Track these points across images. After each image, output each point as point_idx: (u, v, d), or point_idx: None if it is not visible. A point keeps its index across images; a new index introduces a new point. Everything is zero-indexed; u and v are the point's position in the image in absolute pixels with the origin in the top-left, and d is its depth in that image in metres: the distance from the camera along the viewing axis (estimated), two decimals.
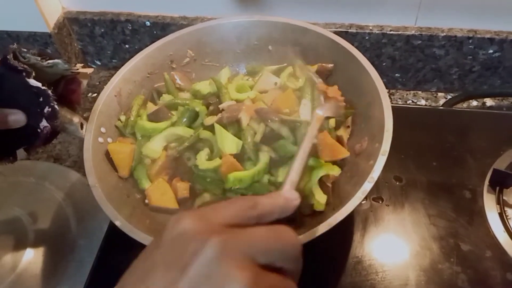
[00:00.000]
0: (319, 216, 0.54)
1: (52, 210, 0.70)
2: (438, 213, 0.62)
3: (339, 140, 0.60)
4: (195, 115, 0.63)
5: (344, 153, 0.58)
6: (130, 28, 0.86)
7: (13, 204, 0.70)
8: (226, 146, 0.57)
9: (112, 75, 0.64)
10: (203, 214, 0.31)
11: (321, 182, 0.57)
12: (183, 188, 0.59)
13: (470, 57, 0.78)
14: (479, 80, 0.81)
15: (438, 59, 0.79)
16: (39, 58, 0.51)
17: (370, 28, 0.78)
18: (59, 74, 0.55)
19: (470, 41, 0.75)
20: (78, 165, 0.78)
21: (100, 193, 0.52)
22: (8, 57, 0.49)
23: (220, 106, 0.62)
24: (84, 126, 0.58)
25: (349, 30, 0.78)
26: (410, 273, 0.56)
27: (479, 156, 0.67)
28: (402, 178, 0.66)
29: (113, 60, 0.94)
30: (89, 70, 0.96)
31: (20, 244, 0.66)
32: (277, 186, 0.57)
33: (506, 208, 0.61)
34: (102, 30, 0.88)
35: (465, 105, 0.81)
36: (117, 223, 0.49)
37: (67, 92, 0.56)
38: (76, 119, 0.57)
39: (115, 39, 0.89)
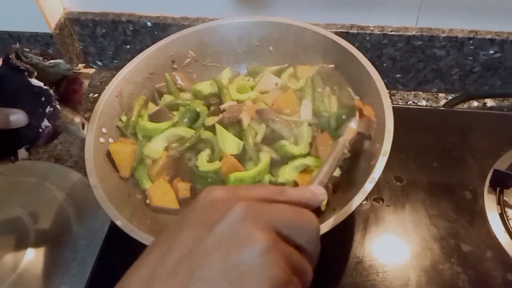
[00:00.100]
0: (319, 216, 0.54)
1: (53, 210, 0.70)
2: (439, 214, 0.62)
3: None
4: (196, 116, 0.64)
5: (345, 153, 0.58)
6: (132, 28, 0.86)
7: (14, 204, 0.70)
8: (227, 146, 0.58)
9: (114, 75, 0.65)
10: (234, 188, 0.34)
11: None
12: (184, 188, 0.59)
13: (471, 57, 0.78)
14: (480, 81, 0.82)
15: (439, 60, 0.79)
16: (41, 58, 0.51)
17: (371, 28, 0.78)
18: (61, 74, 0.55)
19: (471, 41, 0.76)
20: (79, 165, 0.78)
21: (101, 193, 0.52)
22: (10, 56, 0.49)
23: (221, 107, 0.62)
24: (86, 126, 0.58)
25: (350, 31, 0.78)
26: (410, 273, 0.56)
27: (480, 157, 0.67)
28: (403, 178, 0.66)
29: (115, 61, 0.94)
30: (90, 71, 0.96)
31: (21, 244, 0.66)
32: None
33: (506, 209, 0.61)
34: (104, 31, 0.88)
35: (465, 105, 0.81)
36: (118, 223, 0.49)
37: (69, 92, 0.56)
38: (77, 119, 0.57)
39: (116, 40, 0.89)
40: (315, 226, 0.32)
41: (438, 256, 0.58)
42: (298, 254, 0.31)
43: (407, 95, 0.85)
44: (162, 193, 0.58)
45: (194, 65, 0.71)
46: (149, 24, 0.85)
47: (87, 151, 0.56)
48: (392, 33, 0.77)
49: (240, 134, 0.60)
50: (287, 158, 0.58)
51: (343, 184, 0.57)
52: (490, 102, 0.82)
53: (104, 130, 0.60)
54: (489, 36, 0.75)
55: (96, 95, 0.91)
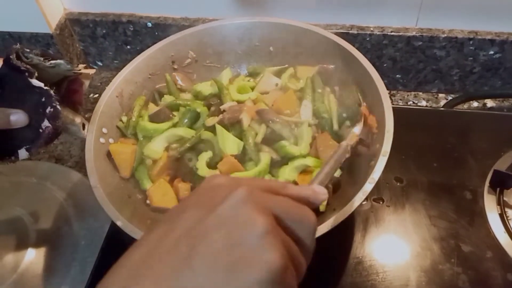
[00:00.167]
0: (319, 216, 0.54)
1: (53, 210, 0.70)
2: (439, 214, 0.62)
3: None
4: (197, 116, 0.64)
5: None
6: (132, 29, 0.86)
7: (14, 204, 0.70)
8: (228, 147, 0.58)
9: (114, 76, 0.65)
10: (237, 177, 0.35)
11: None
12: (184, 188, 0.59)
13: (471, 58, 0.78)
14: (480, 81, 0.82)
15: (439, 60, 0.80)
16: (41, 59, 0.51)
17: (371, 29, 0.78)
18: (62, 75, 0.55)
19: (471, 42, 0.76)
20: (80, 166, 0.78)
21: (102, 194, 0.52)
22: (11, 57, 0.49)
23: (222, 107, 0.62)
24: (86, 127, 0.58)
25: (350, 31, 0.78)
26: (410, 273, 0.56)
27: (480, 157, 0.67)
28: (403, 179, 0.66)
29: (115, 61, 0.95)
30: (91, 71, 0.96)
31: (21, 244, 0.66)
32: None
33: (506, 209, 0.61)
34: (104, 31, 0.88)
35: (465, 106, 0.81)
36: (119, 223, 0.50)
37: (69, 92, 0.56)
38: (78, 120, 0.57)
39: (116, 40, 0.89)
40: (313, 222, 0.32)
41: (438, 256, 0.58)
42: (295, 245, 0.31)
43: (407, 95, 0.86)
44: (163, 194, 0.59)
45: (194, 66, 0.72)
46: (149, 24, 0.85)
47: (87, 152, 0.56)
48: (392, 33, 0.77)
49: (240, 134, 0.60)
50: (287, 159, 0.58)
51: (343, 184, 0.57)
52: (490, 103, 0.82)
53: (104, 130, 0.61)
54: (489, 37, 0.75)
55: (97, 95, 0.91)
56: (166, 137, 0.62)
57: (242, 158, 0.58)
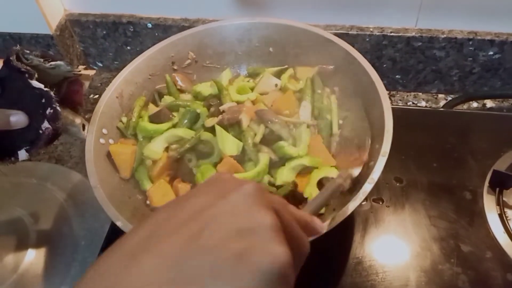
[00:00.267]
0: (319, 217, 0.54)
1: (53, 211, 0.70)
2: (439, 214, 0.62)
3: None
4: (196, 117, 0.64)
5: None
6: (132, 30, 0.87)
7: (15, 204, 0.71)
8: (227, 147, 0.58)
9: (114, 76, 0.65)
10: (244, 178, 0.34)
11: (321, 185, 0.57)
12: (184, 189, 0.59)
13: (471, 58, 0.78)
14: (480, 82, 0.82)
15: (439, 61, 0.80)
16: (41, 60, 0.51)
17: (371, 30, 0.78)
18: (62, 76, 0.55)
19: (470, 42, 0.76)
20: (80, 166, 0.78)
21: (102, 194, 0.52)
22: (11, 58, 0.49)
23: (221, 108, 0.62)
24: (86, 128, 0.58)
25: (350, 32, 0.79)
26: (410, 274, 0.56)
27: (479, 157, 0.67)
28: (403, 179, 0.66)
29: (115, 62, 0.95)
30: (91, 72, 0.96)
31: (21, 245, 0.66)
32: (277, 188, 0.57)
33: (506, 209, 0.61)
34: (104, 32, 0.88)
35: (465, 106, 0.81)
36: (119, 223, 0.50)
37: (69, 93, 0.57)
38: (78, 121, 0.57)
39: (117, 41, 0.90)
40: (307, 249, 0.32)
41: (438, 257, 0.58)
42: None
43: (407, 96, 0.86)
44: (163, 194, 0.59)
45: (194, 66, 0.72)
46: (149, 25, 0.85)
47: (87, 152, 0.56)
48: (392, 34, 0.77)
49: (239, 135, 0.60)
50: (285, 159, 0.58)
51: None
52: (489, 103, 0.82)
53: (104, 131, 0.61)
54: (488, 37, 0.75)
55: (97, 96, 0.91)
56: (166, 138, 0.62)
57: (242, 158, 0.58)
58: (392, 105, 0.55)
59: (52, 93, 0.51)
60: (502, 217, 0.60)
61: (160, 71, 0.69)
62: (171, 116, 0.64)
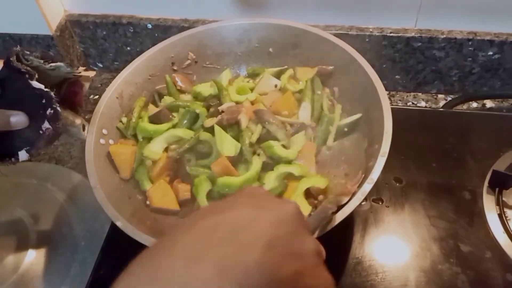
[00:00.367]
0: None
1: (54, 211, 0.70)
2: (438, 214, 0.62)
3: None
4: (196, 117, 0.64)
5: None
6: (132, 30, 0.87)
7: (15, 205, 0.71)
8: (225, 148, 0.58)
9: (114, 77, 0.65)
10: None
11: (310, 194, 0.57)
12: (184, 189, 0.59)
13: (470, 59, 0.78)
14: (479, 82, 0.82)
15: (438, 61, 0.80)
16: (42, 61, 0.51)
17: (370, 30, 0.78)
18: (62, 77, 0.55)
19: (470, 43, 0.76)
20: (80, 167, 0.78)
21: (102, 194, 0.52)
22: (11, 59, 0.49)
23: (220, 108, 0.62)
24: (86, 128, 0.58)
25: (349, 32, 0.79)
26: (410, 274, 0.57)
27: (479, 158, 0.67)
28: (402, 179, 0.66)
29: (115, 63, 0.95)
30: (91, 74, 0.96)
31: (22, 245, 0.66)
32: None
33: (505, 209, 0.61)
34: (104, 33, 0.89)
35: (465, 106, 0.81)
36: (119, 224, 0.50)
37: (70, 94, 0.57)
38: (78, 121, 0.57)
39: (117, 42, 0.90)
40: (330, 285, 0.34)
41: (437, 257, 0.58)
42: None
43: (407, 96, 0.86)
44: (162, 194, 0.59)
45: (194, 67, 0.72)
46: (149, 26, 0.85)
47: (87, 153, 0.56)
48: (392, 34, 0.77)
49: (238, 135, 0.60)
50: (276, 162, 0.58)
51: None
52: (489, 103, 0.82)
53: (104, 131, 0.61)
54: (488, 37, 0.75)
55: (97, 96, 0.91)
56: (166, 138, 0.62)
57: (239, 158, 0.58)
58: (392, 105, 0.55)
59: (52, 93, 0.51)
60: (501, 217, 0.60)
61: (160, 71, 0.69)
62: (171, 116, 0.65)
